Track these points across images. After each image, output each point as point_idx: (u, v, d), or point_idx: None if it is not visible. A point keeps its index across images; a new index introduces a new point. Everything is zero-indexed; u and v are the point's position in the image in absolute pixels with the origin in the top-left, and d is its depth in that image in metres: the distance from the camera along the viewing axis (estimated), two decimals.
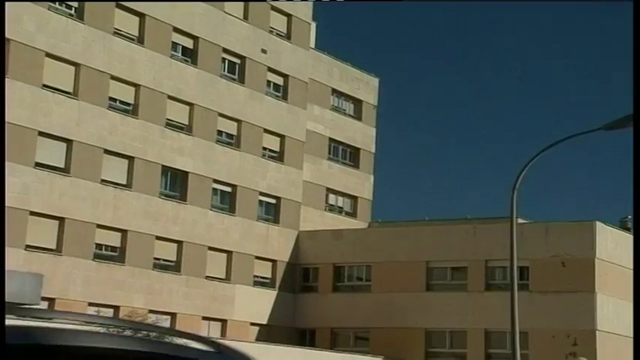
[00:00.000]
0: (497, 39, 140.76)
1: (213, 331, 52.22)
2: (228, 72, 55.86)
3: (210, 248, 53.91)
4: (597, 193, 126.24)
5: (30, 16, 45.56)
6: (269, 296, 57.65)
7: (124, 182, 49.73)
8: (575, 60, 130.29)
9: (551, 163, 77.34)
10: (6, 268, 33.13)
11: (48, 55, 46.28)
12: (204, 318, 52.94)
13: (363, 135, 67.83)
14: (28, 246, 44.69)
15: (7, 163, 43.92)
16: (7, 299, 30.95)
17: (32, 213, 45.33)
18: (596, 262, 52.89)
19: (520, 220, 32.55)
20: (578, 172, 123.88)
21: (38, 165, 45.80)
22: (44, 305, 41.68)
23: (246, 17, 56.63)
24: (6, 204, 14.30)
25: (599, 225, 53.65)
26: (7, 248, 42.73)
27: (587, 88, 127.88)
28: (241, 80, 56.45)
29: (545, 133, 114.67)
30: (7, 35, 44.20)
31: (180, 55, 53.10)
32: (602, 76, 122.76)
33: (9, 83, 44.26)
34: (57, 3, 46.94)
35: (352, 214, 66.42)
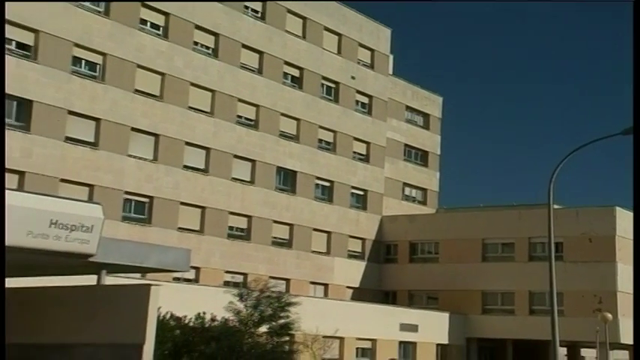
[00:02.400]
0: (540, 50, 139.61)
1: (318, 293, 53.18)
2: (326, 94, 56.08)
3: (314, 229, 54.34)
4: (617, 184, 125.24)
5: (179, 55, 46.32)
6: (360, 266, 58.03)
7: (249, 179, 50.15)
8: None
9: (581, 160, 77.17)
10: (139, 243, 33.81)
11: (192, 84, 47.00)
12: (311, 282, 53.38)
13: (430, 141, 68.16)
14: (179, 228, 45.36)
15: (162, 166, 45.34)
16: (165, 268, 31.94)
17: (182, 203, 45.95)
18: (616, 238, 53.04)
19: (555, 206, 32.76)
20: (602, 168, 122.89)
21: (186, 167, 46.42)
22: (192, 273, 42.90)
23: (339, 52, 56.97)
24: (6, 204, 14.61)
25: (618, 210, 53.63)
26: (165, 230, 44.19)
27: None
28: (336, 100, 56.74)
29: (579, 133, 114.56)
30: (162, 69, 45.57)
31: (289, 82, 53.34)
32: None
33: (165, 107, 45.50)
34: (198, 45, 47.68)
35: (423, 203, 66.76)
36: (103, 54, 42.77)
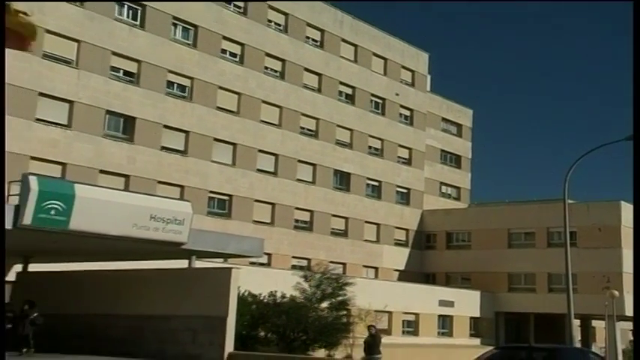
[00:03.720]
0: (556, 57, 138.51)
1: (370, 274, 53.06)
2: (374, 108, 55.97)
3: (366, 222, 54.23)
4: (621, 181, 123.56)
5: (252, 78, 46.53)
6: (404, 252, 57.88)
7: (311, 180, 50.24)
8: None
9: (591, 160, 76.41)
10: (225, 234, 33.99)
11: (263, 101, 47.21)
12: (364, 266, 53.25)
13: (463, 147, 67.90)
14: (254, 221, 45.55)
15: (239, 169, 45.51)
16: (243, 254, 32.20)
17: (256, 200, 46.15)
18: (621, 228, 52.56)
19: (570, 201, 32.60)
20: (609, 167, 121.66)
21: (258, 170, 46.60)
22: (265, 258, 43.00)
23: (385, 73, 56.87)
24: (6, 203, 14.40)
25: (623, 204, 53.07)
26: (242, 222, 44.42)
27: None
28: (383, 113, 56.67)
29: (593, 134, 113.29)
30: (238, 90, 45.75)
31: (344, 98, 53.31)
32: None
33: (241, 121, 45.76)
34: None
35: (457, 199, 66.50)
36: (191, 78, 43.22)
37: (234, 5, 46.15)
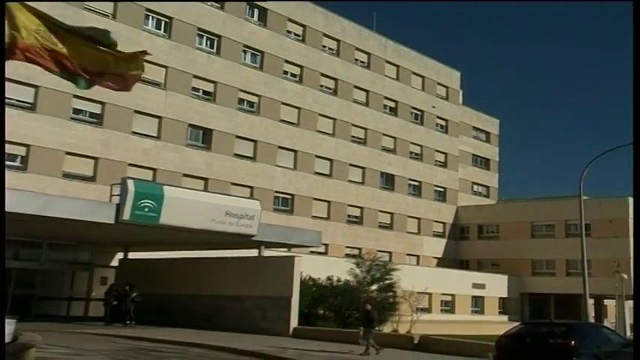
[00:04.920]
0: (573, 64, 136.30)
1: (412, 262, 52.73)
2: (414, 119, 55.56)
3: (408, 216, 53.92)
4: (630, 179, 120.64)
5: (310, 95, 46.73)
6: (442, 242, 57.47)
7: (360, 181, 50.07)
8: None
9: (604, 161, 74.64)
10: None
11: (319, 114, 47.23)
12: (407, 254, 53.00)
13: (491, 151, 67.13)
14: (313, 216, 45.62)
15: (300, 172, 45.62)
16: (304, 244, 32.37)
17: (314, 199, 46.19)
18: (629, 220, 51.74)
19: (584, 197, 32.11)
20: (619, 167, 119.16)
21: (316, 173, 46.64)
22: (323, 247, 42.97)
23: (423, 88, 56.53)
24: (5, 204, 14.33)
25: (630, 199, 52.04)
26: (303, 217, 44.50)
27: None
28: (421, 123, 56.26)
29: (607, 135, 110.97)
30: (298, 105, 45.85)
31: (388, 111, 52.99)
32: None
33: (300, 131, 45.71)
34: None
35: (486, 196, 65.75)
36: (259, 96, 43.50)
37: (294, 34, 46.46)
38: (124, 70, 10.76)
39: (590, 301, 38.72)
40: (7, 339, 12.32)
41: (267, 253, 29.48)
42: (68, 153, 34.38)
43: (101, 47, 10.71)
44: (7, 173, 31.59)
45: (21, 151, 32.89)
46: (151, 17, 38.54)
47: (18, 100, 32.93)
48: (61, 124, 34.25)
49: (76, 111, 35.02)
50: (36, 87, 33.09)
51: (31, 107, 33.42)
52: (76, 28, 10.80)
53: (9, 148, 32.32)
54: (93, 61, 10.65)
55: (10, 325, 12.56)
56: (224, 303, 27.97)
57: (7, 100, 32.49)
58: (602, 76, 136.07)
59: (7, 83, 32.25)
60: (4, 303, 9.00)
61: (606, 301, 57.24)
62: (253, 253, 29.08)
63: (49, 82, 32.06)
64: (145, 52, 11.01)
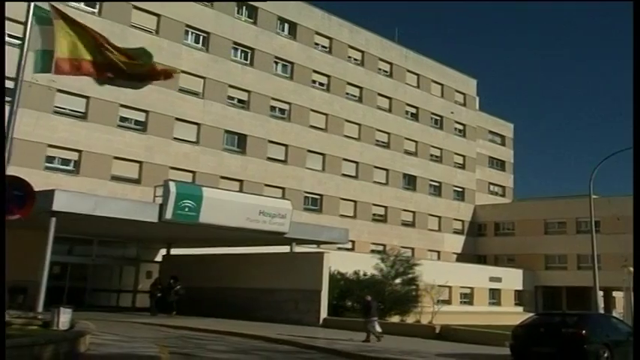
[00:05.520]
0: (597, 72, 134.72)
1: (433, 257, 52.47)
2: (434, 124, 55.29)
3: (429, 214, 53.64)
4: None
5: (336, 102, 47.07)
6: (461, 239, 57.09)
7: (384, 181, 49.89)
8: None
9: (612, 161, 74.11)
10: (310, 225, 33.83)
11: (346, 120, 47.16)
12: (428, 250, 52.67)
13: (506, 153, 66.55)
14: (340, 215, 45.43)
15: (328, 174, 45.50)
16: (332, 241, 32.40)
17: (341, 199, 46.12)
18: None
19: (594, 196, 31.92)
20: (627, 167, 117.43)
21: (343, 175, 46.50)
22: (350, 244, 42.80)
23: (442, 95, 56.26)
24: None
25: None
26: (331, 216, 44.53)
27: None
28: (441, 127, 55.98)
29: (616, 136, 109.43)
30: (326, 112, 45.83)
31: (409, 117, 52.77)
32: None
33: (328, 136, 45.60)
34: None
35: (502, 195, 65.19)
36: (289, 103, 43.60)
37: (321, 46, 46.54)
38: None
39: (600, 293, 38.22)
40: (65, 326, 12.62)
41: (298, 249, 29.61)
42: (116, 157, 34.85)
43: (133, 60, 11.18)
44: (62, 177, 32.26)
45: (74, 156, 33.42)
46: (190, 32, 38.90)
47: (71, 110, 33.50)
48: (110, 131, 34.73)
49: (123, 119, 35.48)
50: (87, 98, 33.61)
51: (83, 116, 33.94)
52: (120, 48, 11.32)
53: (64, 154, 33.00)
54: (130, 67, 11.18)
55: (66, 314, 12.87)
56: (258, 295, 28.11)
57: (61, 110, 33.15)
58: (608, 80, 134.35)
59: (61, 95, 32.98)
60: (3, 302, 8.87)
61: (615, 293, 56.48)
62: (285, 249, 29.21)
63: (99, 93, 32.65)
64: (174, 70, 11.65)
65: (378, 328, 20.53)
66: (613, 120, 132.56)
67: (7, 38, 30.41)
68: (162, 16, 36.83)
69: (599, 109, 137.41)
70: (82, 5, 33.89)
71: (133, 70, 11.10)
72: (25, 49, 11.43)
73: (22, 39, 11.56)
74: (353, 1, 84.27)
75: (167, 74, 11.86)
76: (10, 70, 12.31)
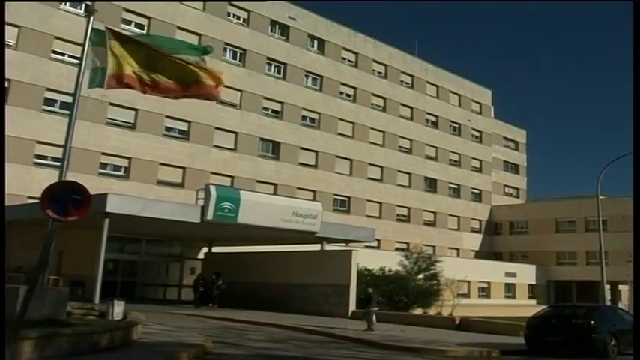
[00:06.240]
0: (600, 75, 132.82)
1: (453, 254, 51.86)
2: (452, 131, 54.90)
3: (449, 215, 53.23)
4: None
5: (362, 111, 46.93)
6: (478, 237, 56.55)
7: (407, 184, 49.62)
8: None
9: (618, 163, 72.71)
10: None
11: (371, 128, 47.02)
12: (449, 248, 52.30)
13: (519, 158, 65.85)
14: (367, 215, 45.23)
15: (355, 178, 45.60)
16: (359, 240, 32.35)
17: (367, 200, 45.99)
18: None
19: (601, 197, 31.51)
20: (630, 171, 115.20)
21: (369, 178, 46.34)
22: (376, 242, 42.36)
23: (459, 105, 55.88)
24: (5, 202, 14.17)
25: None
26: (358, 216, 44.35)
27: None
28: (458, 134, 55.55)
29: (619, 140, 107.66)
30: (352, 120, 45.73)
31: (430, 124, 52.47)
32: None
33: (355, 142, 45.49)
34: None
35: (517, 197, 64.46)
36: (319, 113, 43.66)
37: (348, 60, 46.56)
38: (204, 79, 11.50)
39: (607, 287, 37.64)
40: (119, 316, 12.86)
41: (328, 247, 29.62)
42: (161, 164, 35.27)
43: (188, 63, 11.44)
44: (114, 182, 32.75)
45: (124, 163, 33.93)
46: (228, 49, 39.23)
47: (122, 121, 34.01)
48: (156, 140, 35.17)
49: (168, 129, 35.91)
50: (136, 110, 34.11)
51: (132, 126, 34.43)
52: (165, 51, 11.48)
53: (116, 161, 33.53)
54: (180, 75, 11.39)
55: (120, 306, 13.12)
56: (292, 290, 28.19)
57: (112, 121, 33.66)
58: (613, 87, 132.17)
59: (112, 107, 33.45)
60: (3, 302, 8.99)
61: (620, 286, 55.69)
62: (316, 247, 29.26)
63: (146, 105, 33.12)
64: (220, 75, 11.72)
65: (374, 320, 20.61)
66: (618, 125, 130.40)
67: (66, 58, 31.25)
68: (202, 35, 37.21)
69: (605, 116, 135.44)
70: (132, 27, 34.38)
71: (184, 79, 11.36)
72: (82, 68, 11.68)
73: (80, 58, 11.82)
74: (376, 18, 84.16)
75: (212, 94, 11.99)
76: (69, 86, 12.59)
